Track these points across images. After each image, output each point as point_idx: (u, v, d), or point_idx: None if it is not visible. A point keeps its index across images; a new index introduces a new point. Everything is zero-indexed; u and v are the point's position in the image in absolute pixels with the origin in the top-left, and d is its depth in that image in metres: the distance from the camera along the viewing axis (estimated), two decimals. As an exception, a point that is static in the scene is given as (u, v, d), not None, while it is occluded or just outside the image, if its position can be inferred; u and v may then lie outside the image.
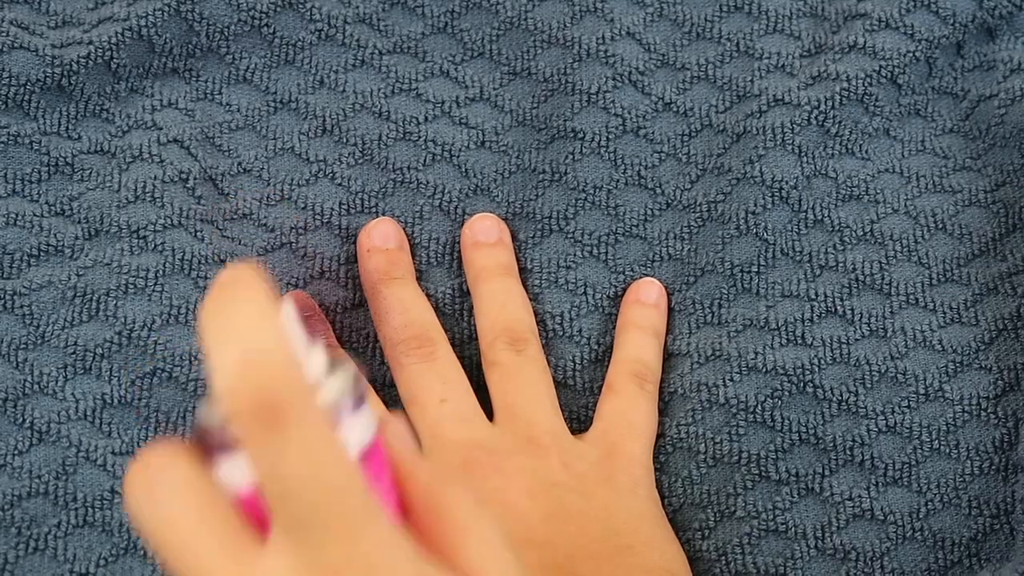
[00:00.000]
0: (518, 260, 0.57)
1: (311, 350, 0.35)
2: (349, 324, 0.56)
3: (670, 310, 0.56)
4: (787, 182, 0.57)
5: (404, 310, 0.54)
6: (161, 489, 0.34)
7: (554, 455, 0.51)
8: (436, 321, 0.55)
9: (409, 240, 0.57)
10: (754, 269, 0.56)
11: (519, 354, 0.54)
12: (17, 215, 0.55)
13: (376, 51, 0.60)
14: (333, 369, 0.36)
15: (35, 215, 0.55)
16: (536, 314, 0.56)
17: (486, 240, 0.56)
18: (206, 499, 0.35)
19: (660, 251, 0.57)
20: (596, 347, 0.56)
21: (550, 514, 0.50)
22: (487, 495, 0.50)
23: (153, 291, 0.54)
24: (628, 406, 0.54)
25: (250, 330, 0.32)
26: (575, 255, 0.57)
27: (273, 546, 0.34)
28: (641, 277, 0.57)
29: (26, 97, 0.57)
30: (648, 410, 0.54)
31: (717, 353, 0.55)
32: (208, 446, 0.35)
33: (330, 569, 0.34)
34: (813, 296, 0.56)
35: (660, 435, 0.54)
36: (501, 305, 0.55)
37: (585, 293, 0.56)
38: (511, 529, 0.49)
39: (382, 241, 0.56)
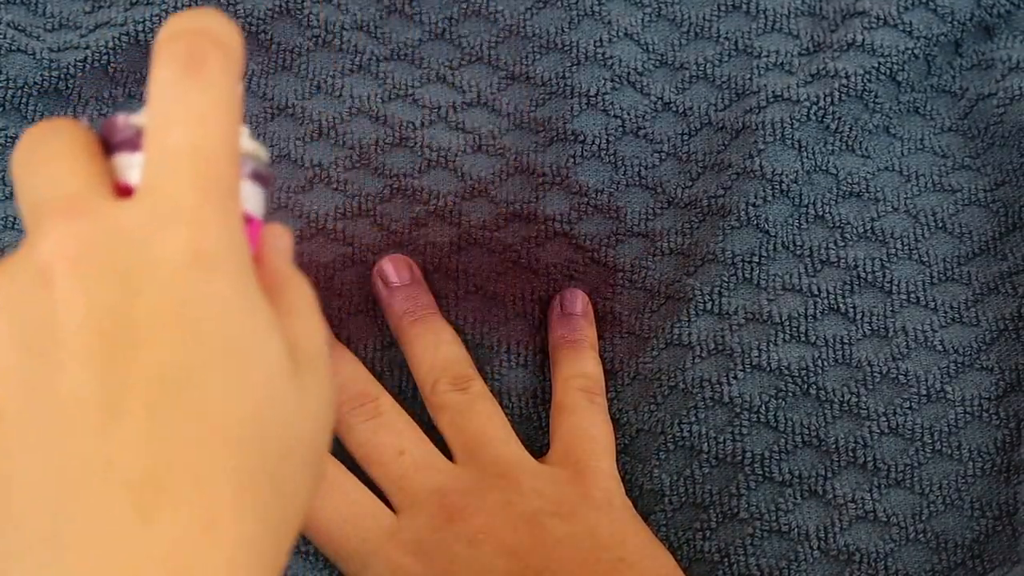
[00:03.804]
0: (520, 260, 0.57)
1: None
2: (349, 328, 0.55)
3: (669, 298, 0.56)
4: (787, 176, 0.57)
5: (335, 371, 0.53)
6: (48, 134, 0.35)
7: (526, 485, 0.51)
8: (369, 374, 0.54)
9: (407, 247, 0.56)
10: (755, 260, 0.56)
11: (465, 392, 0.53)
12: (15, 219, 0.55)
13: (373, 57, 0.60)
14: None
15: (32, 219, 0.55)
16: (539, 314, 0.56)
17: (400, 282, 0.55)
18: (86, 152, 0.35)
19: (661, 246, 0.57)
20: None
21: (537, 543, 0.49)
22: (473, 536, 0.49)
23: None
24: (584, 422, 0.53)
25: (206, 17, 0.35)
26: (580, 260, 0.57)
27: (134, 198, 0.34)
28: (571, 287, 0.56)
29: (23, 100, 0.56)
30: (603, 423, 0.54)
31: (720, 347, 0.54)
32: (110, 142, 0.36)
33: (181, 219, 0.33)
34: (816, 292, 0.56)
35: (660, 432, 0.54)
36: (434, 347, 0.54)
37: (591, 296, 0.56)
38: (505, 566, 0.48)
39: None
